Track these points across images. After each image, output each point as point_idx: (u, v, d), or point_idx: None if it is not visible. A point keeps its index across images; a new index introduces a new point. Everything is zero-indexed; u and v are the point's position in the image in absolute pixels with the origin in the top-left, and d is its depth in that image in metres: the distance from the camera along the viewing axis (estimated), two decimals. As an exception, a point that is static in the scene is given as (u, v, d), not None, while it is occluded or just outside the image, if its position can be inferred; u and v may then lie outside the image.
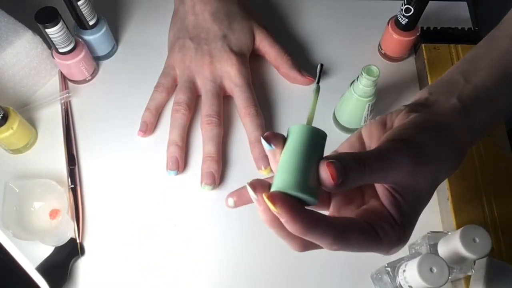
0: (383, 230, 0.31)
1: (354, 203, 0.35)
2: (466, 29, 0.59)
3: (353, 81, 0.48)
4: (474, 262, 0.42)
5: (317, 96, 0.33)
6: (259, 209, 0.30)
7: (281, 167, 0.29)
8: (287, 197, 0.28)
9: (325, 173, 0.28)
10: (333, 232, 0.29)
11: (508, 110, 0.38)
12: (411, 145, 0.32)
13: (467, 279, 0.43)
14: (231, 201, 0.33)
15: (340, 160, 0.29)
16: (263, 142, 0.31)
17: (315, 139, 0.30)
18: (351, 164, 0.29)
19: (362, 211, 0.33)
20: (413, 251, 0.46)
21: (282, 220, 0.28)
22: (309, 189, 0.29)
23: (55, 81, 0.58)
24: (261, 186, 0.30)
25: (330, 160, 0.29)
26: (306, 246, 0.32)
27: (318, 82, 0.33)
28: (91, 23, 0.54)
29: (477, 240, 0.36)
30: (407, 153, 0.32)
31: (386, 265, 0.43)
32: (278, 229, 0.30)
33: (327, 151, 0.55)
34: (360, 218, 0.32)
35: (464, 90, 0.37)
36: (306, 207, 0.29)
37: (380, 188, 0.33)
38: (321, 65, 0.35)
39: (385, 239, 0.31)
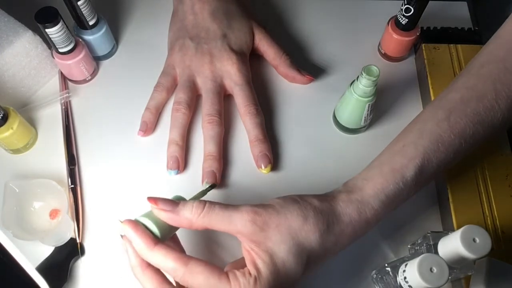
0: (233, 274, 0.36)
1: None
2: (466, 29, 0.59)
3: (353, 81, 0.48)
4: (474, 262, 0.42)
5: (206, 192, 0.45)
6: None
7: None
8: (136, 222, 0.37)
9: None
10: (174, 254, 0.36)
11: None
12: (259, 204, 0.38)
13: (467, 279, 0.43)
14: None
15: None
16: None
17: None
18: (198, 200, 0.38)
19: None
20: (413, 251, 0.46)
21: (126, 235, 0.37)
22: (155, 220, 0.38)
23: (55, 81, 0.58)
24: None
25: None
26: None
27: (211, 187, 0.47)
28: (91, 23, 0.54)
29: (477, 240, 0.36)
30: (249, 205, 0.38)
31: (386, 265, 0.43)
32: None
33: (328, 154, 0.55)
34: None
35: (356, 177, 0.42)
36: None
37: (244, 251, 0.38)
38: (214, 185, 0.48)
39: (233, 283, 0.35)
